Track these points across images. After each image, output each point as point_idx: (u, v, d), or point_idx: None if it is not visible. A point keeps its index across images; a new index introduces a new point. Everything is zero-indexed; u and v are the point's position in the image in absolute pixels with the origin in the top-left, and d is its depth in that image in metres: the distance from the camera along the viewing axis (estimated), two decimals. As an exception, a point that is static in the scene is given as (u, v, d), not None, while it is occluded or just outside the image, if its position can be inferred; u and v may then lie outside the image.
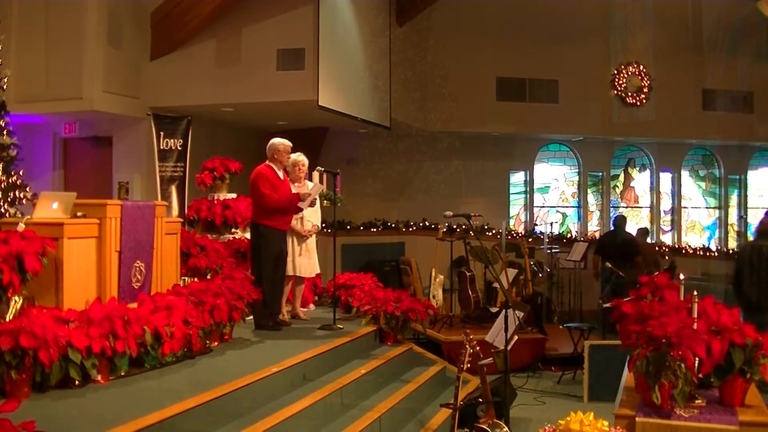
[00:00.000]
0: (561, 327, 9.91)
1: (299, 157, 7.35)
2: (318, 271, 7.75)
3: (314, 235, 7.51)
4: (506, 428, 5.10)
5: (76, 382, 4.41)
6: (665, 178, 16.29)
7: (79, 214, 5.41)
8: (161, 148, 10.08)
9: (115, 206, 5.56)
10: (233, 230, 8.69)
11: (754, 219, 16.80)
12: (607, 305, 4.95)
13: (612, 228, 11.53)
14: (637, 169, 16.24)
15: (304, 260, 7.37)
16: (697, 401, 3.49)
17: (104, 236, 5.43)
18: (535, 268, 11.49)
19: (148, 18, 10.20)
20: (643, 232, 12.75)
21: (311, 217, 7.43)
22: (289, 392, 5.26)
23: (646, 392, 3.41)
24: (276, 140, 7.02)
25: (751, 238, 16.31)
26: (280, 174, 6.97)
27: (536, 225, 15.13)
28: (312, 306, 8.41)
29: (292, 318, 7.45)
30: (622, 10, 13.56)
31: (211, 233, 8.48)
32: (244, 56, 10.16)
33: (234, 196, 9.10)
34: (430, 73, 13.72)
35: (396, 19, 12.44)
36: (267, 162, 6.95)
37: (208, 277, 7.07)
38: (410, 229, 13.95)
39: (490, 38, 13.74)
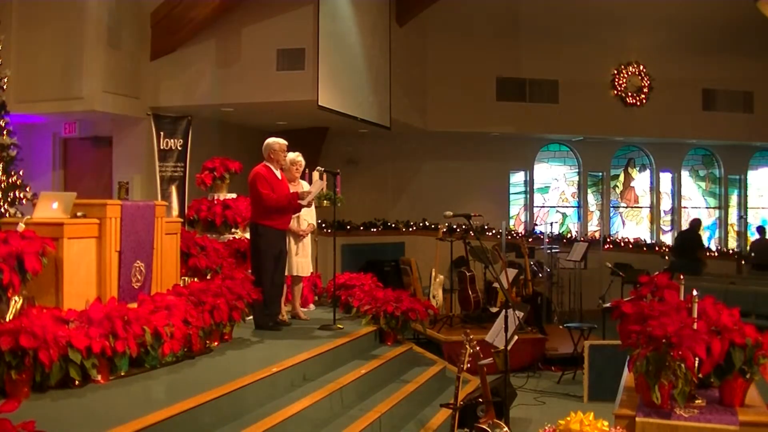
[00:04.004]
0: (561, 327, 9.91)
1: (298, 158, 7.35)
2: (311, 270, 7.77)
3: (309, 234, 7.52)
4: (506, 428, 5.09)
5: (76, 382, 4.41)
6: (665, 178, 16.30)
7: (79, 214, 5.40)
8: (161, 148, 10.08)
9: (115, 206, 5.56)
10: (233, 230, 8.69)
11: (754, 219, 16.83)
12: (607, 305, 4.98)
13: (687, 228, 13.92)
14: (637, 169, 16.25)
15: (302, 259, 7.38)
16: (697, 401, 3.49)
17: (104, 236, 5.43)
18: (535, 268, 11.49)
19: (148, 18, 10.19)
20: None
21: (307, 216, 7.43)
22: (289, 392, 5.26)
23: (646, 392, 3.40)
24: (271, 140, 7.00)
25: (751, 238, 16.46)
26: (278, 173, 6.96)
27: (536, 225, 15.14)
28: (312, 306, 8.41)
29: (292, 318, 7.45)
30: (622, 10, 13.56)
31: (211, 233, 8.47)
32: (244, 56, 10.16)
33: (234, 196, 9.10)
34: (430, 73, 13.72)
35: (396, 19, 12.44)
36: (264, 162, 6.95)
37: (208, 277, 7.06)
38: (410, 229, 13.95)
39: (490, 38, 13.74)
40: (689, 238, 13.18)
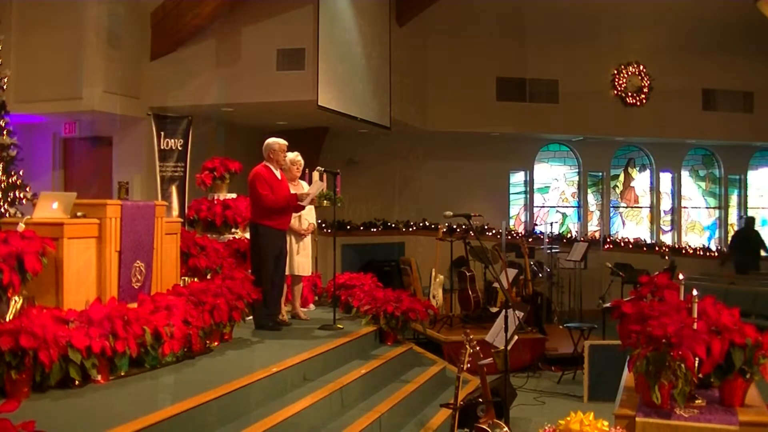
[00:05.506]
0: (561, 327, 9.91)
1: (297, 157, 7.35)
2: (312, 270, 7.77)
3: (309, 234, 7.53)
4: (506, 428, 5.09)
5: (76, 382, 4.41)
6: (665, 178, 16.29)
7: (79, 214, 5.40)
8: (161, 148, 10.07)
9: (115, 206, 5.56)
10: (233, 230, 8.69)
11: (754, 219, 16.82)
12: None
13: (743, 226, 14.73)
14: (637, 169, 16.24)
15: (302, 259, 7.38)
16: (697, 401, 3.49)
17: (104, 236, 5.43)
18: (535, 268, 11.48)
19: (148, 18, 10.19)
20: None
21: (308, 215, 7.44)
22: (289, 392, 5.27)
23: (646, 392, 3.40)
24: (271, 140, 6.99)
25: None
26: (278, 174, 6.95)
27: (536, 225, 15.14)
28: (312, 306, 8.41)
29: (292, 318, 7.45)
30: (622, 10, 13.56)
31: (211, 233, 8.47)
32: (244, 56, 10.16)
33: (234, 196, 9.10)
34: (430, 72, 13.72)
35: (396, 19, 12.44)
36: (264, 162, 6.94)
37: (208, 277, 7.06)
38: (410, 229, 13.95)
39: (490, 38, 13.74)
40: (747, 235, 14.04)
